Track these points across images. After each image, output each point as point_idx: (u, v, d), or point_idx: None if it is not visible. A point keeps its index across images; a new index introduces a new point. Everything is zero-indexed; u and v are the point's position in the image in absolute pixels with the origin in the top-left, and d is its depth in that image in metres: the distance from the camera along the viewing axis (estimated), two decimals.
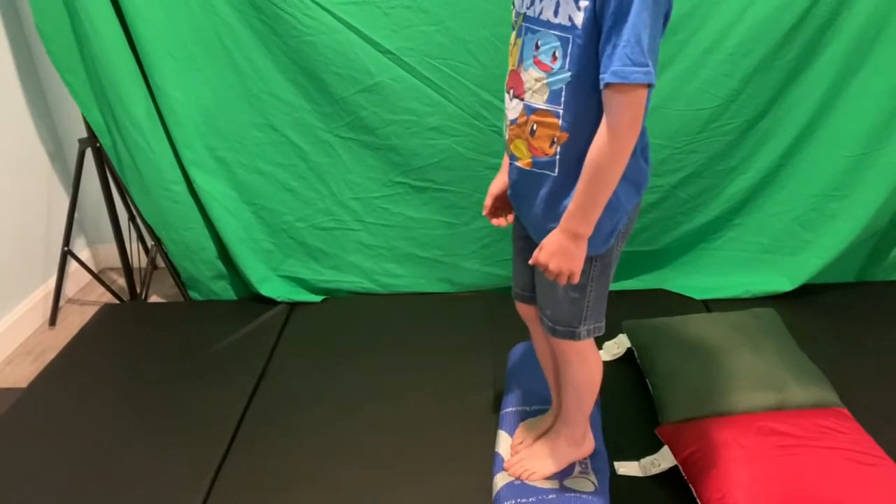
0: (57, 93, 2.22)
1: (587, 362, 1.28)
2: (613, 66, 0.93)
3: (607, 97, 0.97)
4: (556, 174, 1.08)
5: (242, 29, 1.86)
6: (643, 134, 1.09)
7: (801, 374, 1.54)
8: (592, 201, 1.03)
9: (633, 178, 1.09)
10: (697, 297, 2.05)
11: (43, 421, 1.65)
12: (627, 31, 0.91)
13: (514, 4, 1.11)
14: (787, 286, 2.03)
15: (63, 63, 1.91)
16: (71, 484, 1.46)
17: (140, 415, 1.66)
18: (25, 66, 2.17)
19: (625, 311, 1.84)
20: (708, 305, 2.01)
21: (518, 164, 1.14)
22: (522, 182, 1.15)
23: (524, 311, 1.37)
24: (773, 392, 1.48)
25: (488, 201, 1.29)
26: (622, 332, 1.81)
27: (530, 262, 1.11)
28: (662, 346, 1.67)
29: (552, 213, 1.09)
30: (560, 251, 1.06)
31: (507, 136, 1.16)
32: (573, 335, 1.21)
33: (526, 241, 1.25)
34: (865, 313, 1.96)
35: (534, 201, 1.13)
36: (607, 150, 0.99)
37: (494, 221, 1.31)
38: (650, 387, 1.62)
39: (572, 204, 1.04)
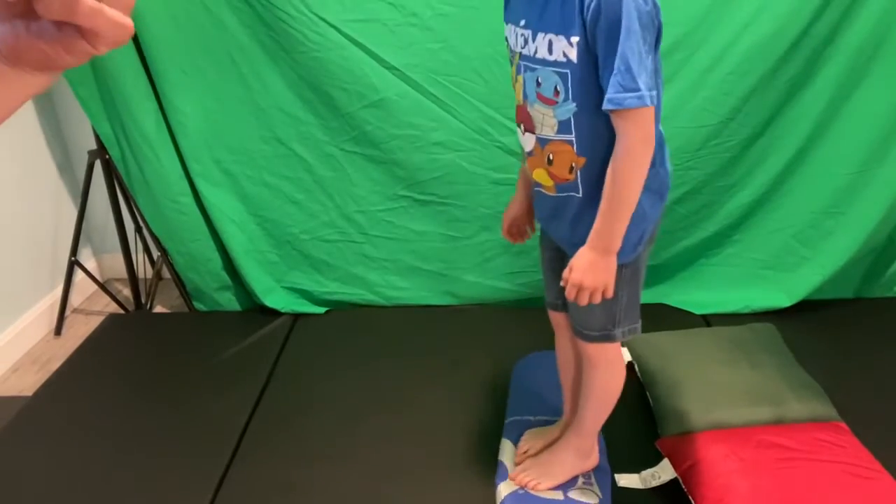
0: (67, 105, 2.24)
1: (614, 370, 1.31)
2: (609, 94, 0.98)
3: (615, 122, 1.02)
4: (580, 195, 1.13)
5: (251, 44, 1.88)
6: (662, 143, 1.13)
7: (799, 388, 1.55)
8: (618, 218, 1.07)
9: (655, 187, 1.12)
10: (697, 311, 2.07)
11: (47, 429, 1.67)
12: (617, 61, 0.96)
13: (507, 42, 1.14)
14: (785, 302, 2.04)
15: (74, 75, 1.93)
16: (75, 492, 1.47)
17: (144, 424, 1.67)
18: None
19: None
20: (707, 320, 2.02)
21: (543, 190, 1.18)
22: (549, 207, 1.20)
23: (555, 318, 1.41)
24: (771, 406, 1.49)
25: (505, 226, 1.35)
26: (623, 346, 1.82)
27: (568, 297, 1.14)
28: (663, 360, 1.69)
29: (582, 230, 1.12)
30: (592, 268, 1.10)
31: (526, 165, 1.20)
32: (609, 338, 1.24)
33: (554, 251, 1.29)
34: (863, 329, 1.97)
35: (563, 222, 1.18)
36: (624, 170, 1.03)
37: (513, 241, 1.37)
38: (650, 400, 1.64)
39: (598, 222, 1.08)
